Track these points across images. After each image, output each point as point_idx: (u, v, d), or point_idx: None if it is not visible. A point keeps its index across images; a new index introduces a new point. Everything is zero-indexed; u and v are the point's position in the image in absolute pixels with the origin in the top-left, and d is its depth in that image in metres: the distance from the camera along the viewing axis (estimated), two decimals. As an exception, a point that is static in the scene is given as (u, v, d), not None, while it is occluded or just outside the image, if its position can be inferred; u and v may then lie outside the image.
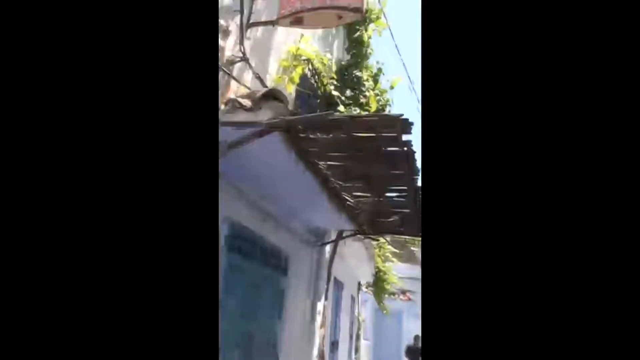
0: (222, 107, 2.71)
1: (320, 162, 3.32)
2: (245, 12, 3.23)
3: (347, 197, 4.06)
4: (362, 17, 3.91)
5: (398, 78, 6.24)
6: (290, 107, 2.85)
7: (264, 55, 3.86)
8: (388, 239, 7.92)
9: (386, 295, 9.62)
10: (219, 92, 3.02)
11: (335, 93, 5.02)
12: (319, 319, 5.85)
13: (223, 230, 3.35)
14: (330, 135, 2.91)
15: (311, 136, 2.91)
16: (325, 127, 2.82)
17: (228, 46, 3.17)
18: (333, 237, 5.90)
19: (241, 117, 2.63)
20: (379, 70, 6.21)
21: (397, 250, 9.22)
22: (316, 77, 4.89)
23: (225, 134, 2.70)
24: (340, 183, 3.72)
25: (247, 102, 2.63)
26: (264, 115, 2.62)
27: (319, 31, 5.06)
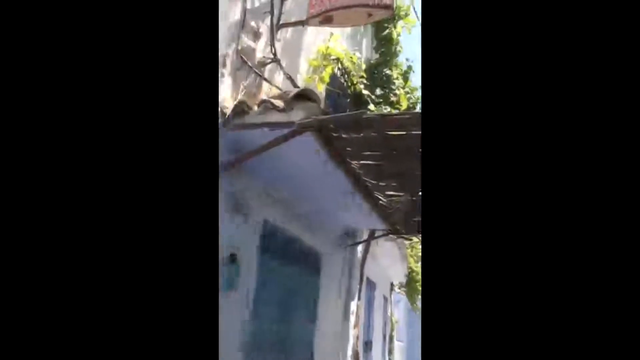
0: (255, 108, 2.74)
1: (353, 162, 3.30)
2: (275, 13, 3.25)
3: (379, 197, 4.02)
4: (393, 15, 3.87)
5: (429, 75, 6.12)
6: (321, 106, 2.84)
7: (294, 55, 3.88)
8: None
9: (419, 296, 9.49)
10: (252, 93, 3.05)
11: (365, 92, 4.99)
12: (352, 319, 5.83)
13: (257, 231, 3.38)
14: (362, 134, 2.89)
15: (343, 135, 2.90)
16: (357, 126, 2.80)
17: (259, 48, 3.19)
18: (365, 236, 5.86)
19: (274, 117, 2.64)
20: (409, 67, 6.13)
21: (429, 250, 9.05)
22: (346, 76, 4.87)
23: (259, 135, 2.73)
24: (373, 182, 3.69)
25: (279, 103, 2.64)
26: (297, 115, 2.62)
27: (348, 30, 5.04)
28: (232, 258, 2.98)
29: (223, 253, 2.87)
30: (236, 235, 3.02)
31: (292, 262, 4.10)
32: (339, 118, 2.83)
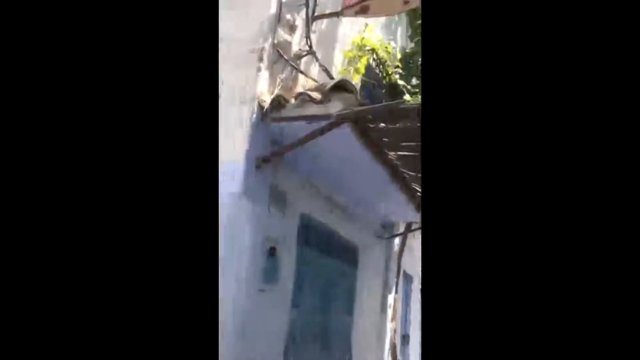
0: (292, 101, 2.74)
1: (390, 153, 3.26)
2: (310, 5, 3.24)
3: (417, 188, 3.96)
4: (429, 1, 3.77)
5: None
6: (358, 98, 2.81)
7: (329, 47, 3.86)
8: (458, 230, 7.62)
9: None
10: (288, 86, 3.05)
11: (400, 82, 4.91)
12: (389, 312, 5.79)
13: (295, 224, 3.40)
14: (399, 124, 2.84)
15: (381, 126, 2.87)
16: (394, 116, 2.76)
17: (295, 40, 3.19)
18: (402, 229, 5.80)
19: (311, 110, 2.64)
20: (445, 56, 5.97)
21: (468, 243, 8.86)
22: (381, 66, 4.81)
23: (297, 128, 2.73)
24: (411, 173, 3.64)
25: (316, 95, 2.64)
26: (334, 107, 2.61)
27: (382, 20, 4.96)
28: (272, 251, 3.02)
29: (263, 246, 2.91)
30: (275, 228, 3.05)
31: (330, 255, 4.11)
32: (375, 109, 2.79)
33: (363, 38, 3.90)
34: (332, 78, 3.35)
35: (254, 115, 2.74)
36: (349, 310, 4.60)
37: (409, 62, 5.58)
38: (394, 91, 4.95)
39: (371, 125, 2.87)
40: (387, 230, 5.57)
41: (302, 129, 2.70)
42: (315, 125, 2.66)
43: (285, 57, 3.04)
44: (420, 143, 3.09)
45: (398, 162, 3.42)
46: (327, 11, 3.53)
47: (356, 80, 3.78)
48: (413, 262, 7.43)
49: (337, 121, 2.58)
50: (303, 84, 3.21)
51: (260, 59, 2.84)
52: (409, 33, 6.00)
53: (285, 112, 2.76)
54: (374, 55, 4.53)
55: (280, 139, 2.91)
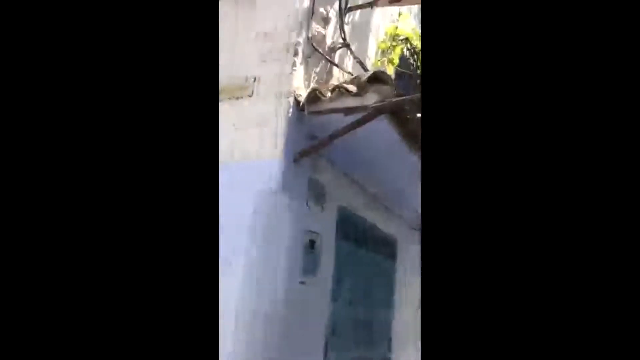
0: (328, 94, 2.74)
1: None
2: (343, -3, 3.22)
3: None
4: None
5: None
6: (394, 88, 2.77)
7: (363, 38, 3.82)
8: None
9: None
10: (324, 79, 3.05)
11: (436, 71, 4.80)
12: (429, 305, 5.73)
13: (334, 217, 3.40)
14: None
15: (418, 116, 2.82)
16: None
17: (329, 33, 3.18)
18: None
19: (348, 102, 2.62)
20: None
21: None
22: (415, 56, 4.72)
23: (334, 121, 2.73)
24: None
25: (352, 88, 2.62)
26: (370, 99, 2.58)
27: (415, 8, 4.87)
28: (311, 244, 3.04)
29: (303, 239, 2.93)
30: (314, 221, 3.06)
31: (368, 248, 4.10)
32: (412, 99, 2.75)
33: (397, 28, 3.84)
34: (366, 70, 3.32)
35: (291, 110, 2.76)
36: (389, 303, 4.58)
37: (444, 51, 5.45)
38: (429, 81, 4.85)
39: (408, 116, 2.83)
40: (424, 223, 5.49)
41: (339, 122, 2.69)
42: (352, 118, 2.64)
43: (320, 50, 3.03)
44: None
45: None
46: (360, 2, 3.49)
47: (390, 71, 3.73)
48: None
49: (374, 113, 2.56)
50: (338, 76, 3.19)
51: (295, 53, 2.85)
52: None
53: (321, 106, 2.76)
54: (408, 45, 4.45)
55: (317, 133, 2.91)
